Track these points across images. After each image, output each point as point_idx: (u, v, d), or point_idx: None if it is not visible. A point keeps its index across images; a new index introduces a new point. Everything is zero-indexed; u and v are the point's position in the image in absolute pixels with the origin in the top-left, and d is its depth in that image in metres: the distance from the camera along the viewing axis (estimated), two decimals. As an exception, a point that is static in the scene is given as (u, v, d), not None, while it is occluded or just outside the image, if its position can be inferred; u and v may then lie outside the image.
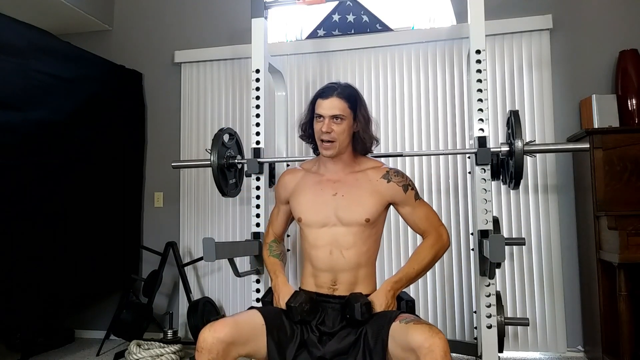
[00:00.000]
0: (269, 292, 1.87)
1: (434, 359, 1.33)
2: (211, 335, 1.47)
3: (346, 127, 1.75)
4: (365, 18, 3.32)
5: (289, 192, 1.89)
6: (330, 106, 1.74)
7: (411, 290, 3.05)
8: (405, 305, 1.74)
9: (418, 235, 1.87)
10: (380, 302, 1.65)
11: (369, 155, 1.94)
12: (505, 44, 3.09)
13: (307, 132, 1.88)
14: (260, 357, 1.58)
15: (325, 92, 1.77)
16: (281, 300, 1.71)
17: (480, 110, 2.24)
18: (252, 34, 2.57)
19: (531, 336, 2.94)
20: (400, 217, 1.87)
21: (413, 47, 3.22)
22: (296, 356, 1.57)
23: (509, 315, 2.86)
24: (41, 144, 2.72)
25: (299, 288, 1.80)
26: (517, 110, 2.24)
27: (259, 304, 2.37)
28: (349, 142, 1.80)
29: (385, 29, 3.28)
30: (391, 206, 1.84)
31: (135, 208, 3.57)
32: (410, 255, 1.80)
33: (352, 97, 1.78)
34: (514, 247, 2.95)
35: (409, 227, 1.96)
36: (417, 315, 1.61)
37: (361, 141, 1.82)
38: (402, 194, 1.79)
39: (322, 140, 1.75)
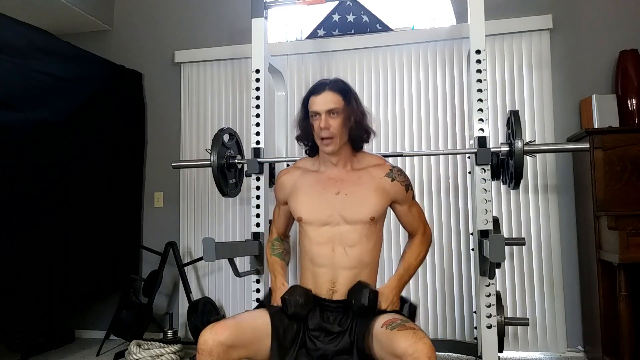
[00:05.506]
0: (271, 292, 1.85)
1: None
2: (212, 337, 1.46)
3: (343, 121, 1.71)
4: (365, 18, 3.31)
5: (287, 193, 1.85)
6: (324, 101, 1.71)
7: (411, 290, 3.06)
8: (408, 308, 1.74)
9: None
10: (387, 297, 1.66)
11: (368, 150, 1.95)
12: (505, 44, 3.09)
13: (302, 126, 1.81)
14: (260, 359, 1.57)
15: (317, 89, 1.74)
16: (278, 297, 1.71)
17: (480, 110, 2.24)
18: (252, 34, 2.58)
19: (531, 336, 2.93)
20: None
21: (413, 47, 3.22)
22: (296, 357, 1.58)
23: (509, 315, 2.86)
24: (41, 144, 2.72)
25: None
26: (517, 110, 2.25)
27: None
28: (347, 137, 1.75)
29: (385, 29, 3.28)
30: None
31: (135, 208, 3.57)
32: (402, 253, 1.87)
33: (344, 90, 1.76)
34: (514, 247, 2.95)
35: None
36: (405, 318, 1.60)
37: (358, 135, 1.77)
38: (403, 193, 1.80)
39: (322, 138, 1.72)
